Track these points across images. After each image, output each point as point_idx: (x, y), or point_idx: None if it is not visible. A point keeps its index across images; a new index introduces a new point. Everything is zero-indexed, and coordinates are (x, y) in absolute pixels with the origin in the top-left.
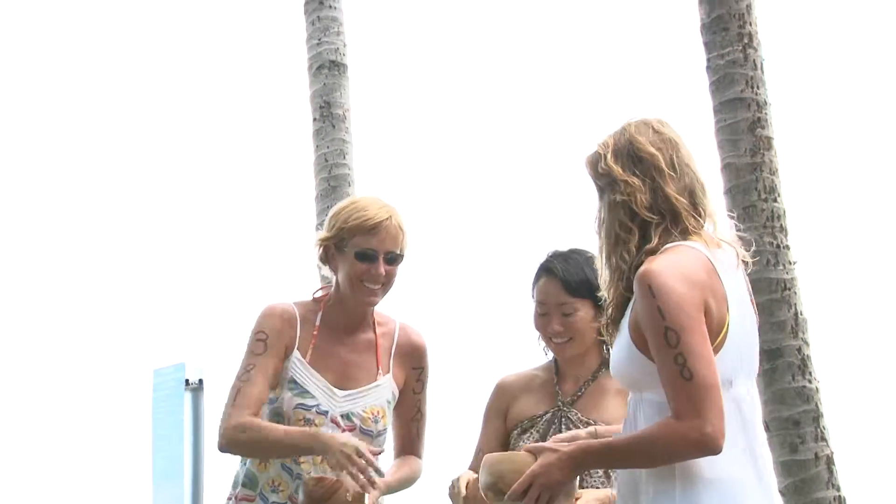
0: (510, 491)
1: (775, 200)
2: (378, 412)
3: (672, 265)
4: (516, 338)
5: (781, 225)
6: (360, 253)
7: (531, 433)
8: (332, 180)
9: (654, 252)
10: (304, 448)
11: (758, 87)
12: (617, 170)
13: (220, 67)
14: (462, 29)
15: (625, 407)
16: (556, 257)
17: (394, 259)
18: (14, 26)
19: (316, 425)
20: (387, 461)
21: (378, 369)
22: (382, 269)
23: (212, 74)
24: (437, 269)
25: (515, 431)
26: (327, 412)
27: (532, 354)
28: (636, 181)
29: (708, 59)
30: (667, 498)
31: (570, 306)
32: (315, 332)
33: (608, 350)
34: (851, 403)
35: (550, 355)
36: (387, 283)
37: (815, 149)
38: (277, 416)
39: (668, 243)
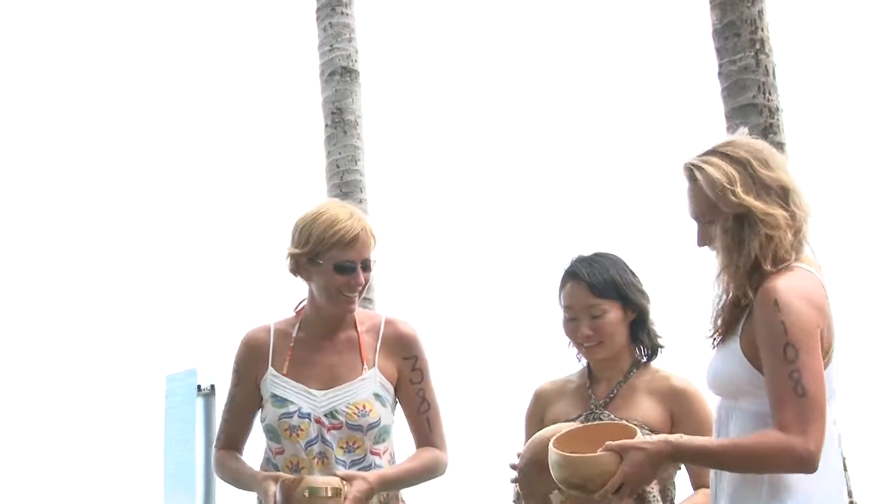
0: (602, 490)
1: None
2: (363, 406)
3: (796, 285)
4: (541, 342)
5: None
6: (339, 266)
7: None
8: (343, 186)
9: (773, 270)
10: (252, 490)
11: (770, 93)
12: (749, 200)
13: (232, 74)
14: (474, 35)
15: (656, 406)
16: (581, 261)
17: (368, 266)
18: (35, 31)
19: (302, 430)
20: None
21: (363, 365)
22: (361, 278)
23: (224, 81)
24: (451, 273)
25: None
26: (309, 414)
27: (564, 357)
28: (776, 212)
29: (720, 65)
30: (752, 500)
31: (598, 308)
32: (291, 345)
33: (641, 351)
34: (864, 409)
35: (584, 361)
36: (363, 289)
37: (827, 154)
38: (270, 431)
39: (785, 263)
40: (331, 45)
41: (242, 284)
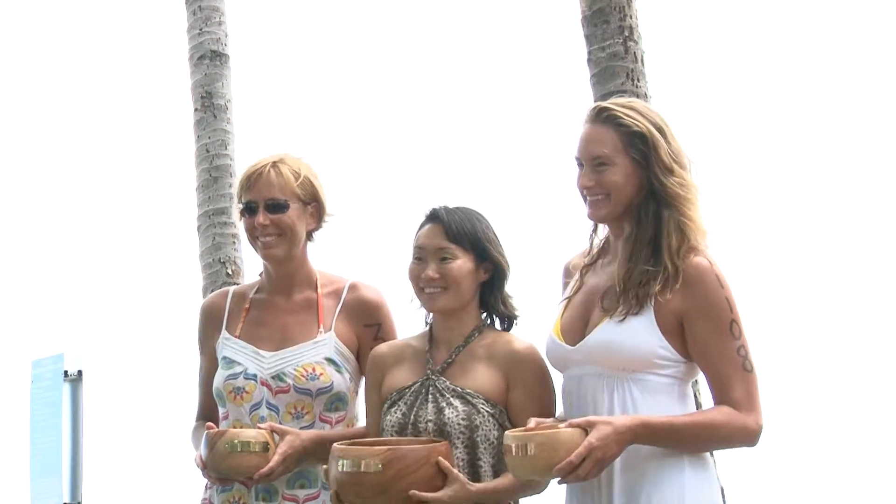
0: (564, 463)
1: None
2: (313, 369)
3: (719, 263)
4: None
5: None
6: (244, 206)
7: (399, 405)
8: (213, 171)
9: (697, 245)
10: None
11: (638, 80)
12: (676, 171)
13: (100, 58)
14: (344, 18)
15: (493, 373)
16: (444, 208)
17: (277, 207)
18: None
19: (247, 392)
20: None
21: (319, 327)
22: (263, 218)
23: (91, 65)
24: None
25: (386, 404)
26: (255, 375)
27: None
28: (692, 183)
29: (589, 52)
30: (676, 473)
31: (449, 251)
32: (246, 306)
33: (489, 317)
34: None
35: (426, 324)
36: (281, 232)
37: (695, 141)
38: (218, 395)
39: (705, 237)
40: (200, 29)
41: (111, 269)
